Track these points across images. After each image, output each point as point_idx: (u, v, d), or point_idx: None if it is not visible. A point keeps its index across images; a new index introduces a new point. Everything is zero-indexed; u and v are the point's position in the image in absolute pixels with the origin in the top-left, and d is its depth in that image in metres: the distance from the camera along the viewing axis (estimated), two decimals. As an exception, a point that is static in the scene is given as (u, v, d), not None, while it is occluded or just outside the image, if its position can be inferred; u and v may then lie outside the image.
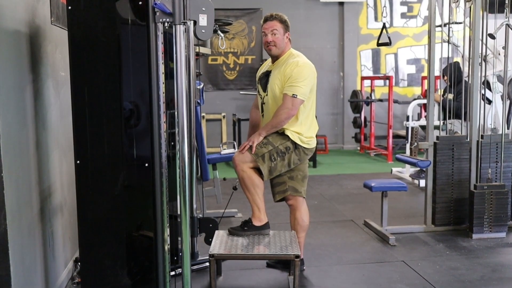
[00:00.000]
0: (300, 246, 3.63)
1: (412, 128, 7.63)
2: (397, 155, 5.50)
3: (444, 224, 4.82)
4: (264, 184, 3.59)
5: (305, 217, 3.74)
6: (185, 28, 2.64)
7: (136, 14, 2.62)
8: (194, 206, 3.68)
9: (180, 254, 2.90)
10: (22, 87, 2.76)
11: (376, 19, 10.51)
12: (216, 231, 3.58)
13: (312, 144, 3.67)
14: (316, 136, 3.74)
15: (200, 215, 3.95)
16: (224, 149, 5.18)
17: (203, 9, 2.63)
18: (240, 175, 3.55)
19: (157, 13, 2.59)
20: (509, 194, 4.65)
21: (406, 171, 7.38)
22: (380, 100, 9.90)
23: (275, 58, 3.69)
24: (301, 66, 3.51)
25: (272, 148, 3.53)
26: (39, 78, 3.03)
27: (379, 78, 10.19)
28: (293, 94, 3.46)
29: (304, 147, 3.61)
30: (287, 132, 3.56)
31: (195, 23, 2.65)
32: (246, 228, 3.57)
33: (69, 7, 2.62)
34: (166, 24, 2.65)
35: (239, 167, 3.53)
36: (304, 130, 3.61)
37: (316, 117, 3.75)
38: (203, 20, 2.65)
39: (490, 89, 6.35)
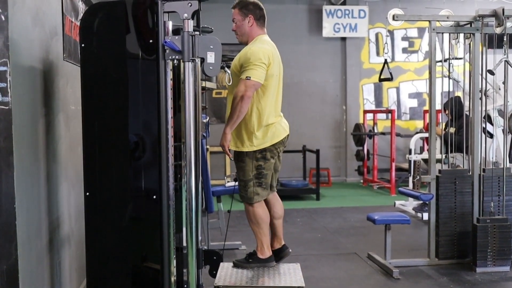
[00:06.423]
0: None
1: (415, 161, 7.67)
2: (400, 188, 5.54)
3: (447, 257, 4.82)
4: (268, 216, 3.64)
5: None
6: (194, 65, 2.73)
7: (146, 52, 2.71)
8: (199, 238, 3.72)
9: (185, 286, 2.93)
10: (35, 121, 2.84)
11: (378, 54, 10.69)
12: (221, 263, 3.61)
13: (274, 137, 3.54)
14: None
15: (205, 247, 3.98)
16: (228, 181, 5.24)
17: (211, 47, 2.73)
18: (246, 207, 3.61)
19: (167, 51, 2.69)
20: (512, 228, 4.67)
21: (409, 204, 7.39)
22: (383, 134, 9.98)
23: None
24: (253, 50, 3.40)
25: (250, 177, 3.56)
26: (51, 112, 3.13)
27: (381, 111, 10.30)
28: (246, 77, 3.34)
29: (266, 147, 3.54)
30: (243, 149, 3.58)
31: (203, 60, 2.75)
32: (251, 260, 3.60)
33: (82, 45, 2.73)
34: (175, 60, 2.75)
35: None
36: (259, 131, 3.53)
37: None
38: (211, 58, 2.74)
39: (491, 123, 6.42)
